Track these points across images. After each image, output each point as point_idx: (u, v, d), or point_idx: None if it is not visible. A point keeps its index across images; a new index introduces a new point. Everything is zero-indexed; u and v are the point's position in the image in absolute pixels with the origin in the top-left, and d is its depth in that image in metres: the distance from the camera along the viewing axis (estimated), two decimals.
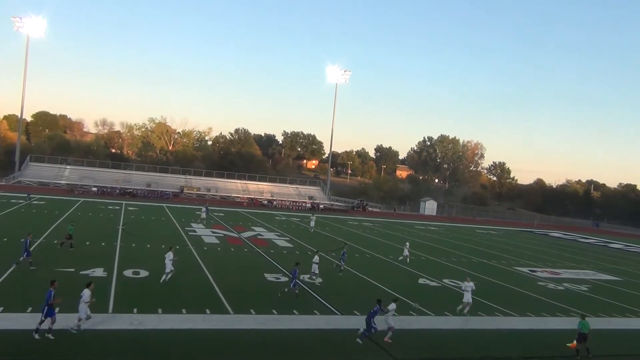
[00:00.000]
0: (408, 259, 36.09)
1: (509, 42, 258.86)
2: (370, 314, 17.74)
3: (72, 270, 24.19)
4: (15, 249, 26.75)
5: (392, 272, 32.23)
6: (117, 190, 76.76)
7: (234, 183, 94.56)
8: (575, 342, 18.42)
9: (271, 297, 22.46)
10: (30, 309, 17.71)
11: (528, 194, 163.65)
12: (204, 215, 49.70)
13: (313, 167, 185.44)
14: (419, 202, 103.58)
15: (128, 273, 24.82)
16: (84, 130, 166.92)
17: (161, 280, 23.35)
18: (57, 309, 15.81)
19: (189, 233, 41.24)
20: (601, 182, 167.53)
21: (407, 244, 38.20)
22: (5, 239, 31.05)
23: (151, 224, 45.52)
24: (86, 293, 16.39)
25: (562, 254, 50.85)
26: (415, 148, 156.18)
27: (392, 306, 18.23)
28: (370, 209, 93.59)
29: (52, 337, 15.18)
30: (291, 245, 39.43)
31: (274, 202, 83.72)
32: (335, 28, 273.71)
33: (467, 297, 22.44)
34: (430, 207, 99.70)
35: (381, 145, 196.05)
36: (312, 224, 51.27)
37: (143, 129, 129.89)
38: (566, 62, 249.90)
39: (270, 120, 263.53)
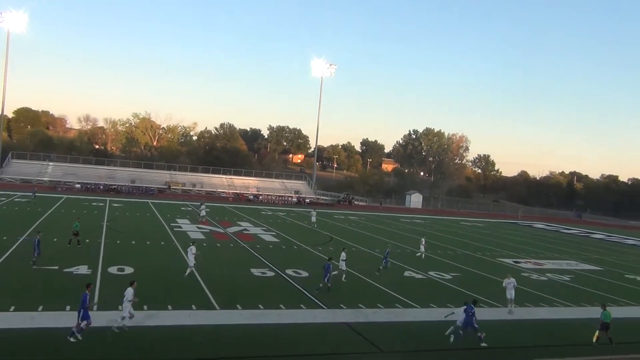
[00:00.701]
0: (423, 255, 36.31)
1: (494, 36, 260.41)
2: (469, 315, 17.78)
3: (56, 268, 23.99)
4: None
5: (377, 265, 32.34)
6: (101, 187, 76.09)
7: (220, 178, 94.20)
8: (597, 332, 18.78)
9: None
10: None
11: (512, 186, 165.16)
12: (203, 212, 48.61)
13: (299, 161, 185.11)
14: (405, 195, 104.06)
15: (113, 270, 24.68)
16: (67, 126, 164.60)
17: (186, 274, 23.92)
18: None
19: (174, 229, 41.06)
20: (584, 173, 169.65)
21: (423, 239, 38.28)
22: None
23: (136, 220, 45.24)
24: (129, 292, 16.54)
25: (545, 245, 51.48)
26: (401, 141, 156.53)
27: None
28: (356, 202, 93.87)
29: (80, 338, 15.14)
30: (277, 240, 39.44)
31: (260, 197, 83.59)
32: (321, 21, 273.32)
33: (512, 295, 22.62)
34: (415, 200, 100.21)
35: (367, 139, 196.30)
36: (314, 219, 51.39)
37: (127, 125, 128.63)
38: (548, 57, 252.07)
39: (256, 114, 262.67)
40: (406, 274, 29.98)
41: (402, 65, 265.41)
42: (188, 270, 24.24)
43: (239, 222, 48.90)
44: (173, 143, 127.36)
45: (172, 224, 43.63)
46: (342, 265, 26.37)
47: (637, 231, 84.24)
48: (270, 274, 26.85)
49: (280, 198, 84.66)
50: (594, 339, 18.87)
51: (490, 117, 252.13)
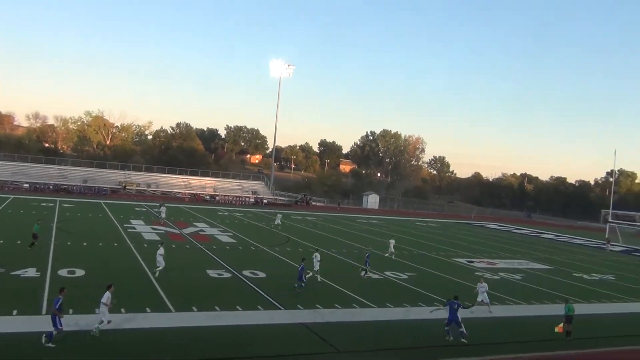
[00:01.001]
0: (393, 256, 36.78)
1: (447, 38, 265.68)
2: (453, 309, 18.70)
3: (2, 271, 23.04)
4: None
5: (335, 265, 32.52)
6: (51, 187, 73.62)
7: (176, 178, 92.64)
8: (562, 325, 19.83)
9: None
10: None
11: (466, 187, 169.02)
12: (163, 214, 47.16)
13: (257, 161, 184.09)
14: (362, 196, 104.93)
15: (63, 272, 23.91)
16: (15, 123, 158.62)
17: (156, 275, 24.47)
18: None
19: (128, 230, 40.13)
20: (534, 175, 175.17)
21: (393, 240, 38.85)
22: None
23: (88, 221, 44.00)
24: (106, 295, 16.42)
25: (498, 245, 52.84)
26: (359, 142, 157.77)
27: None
28: (314, 203, 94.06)
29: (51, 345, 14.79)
30: (234, 241, 39.08)
31: (217, 198, 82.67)
32: (279, 22, 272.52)
33: (485, 297, 23.21)
34: (372, 200, 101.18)
35: (325, 139, 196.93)
36: (278, 221, 51.03)
37: (79, 123, 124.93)
38: (499, 59, 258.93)
39: (213, 114, 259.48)
40: (363, 273, 30.17)
41: (360, 67, 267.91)
42: (157, 272, 24.63)
43: (195, 223, 48.20)
44: (127, 142, 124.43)
45: (125, 225, 42.62)
46: (316, 266, 26.70)
47: (584, 231, 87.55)
48: (226, 275, 26.58)
49: (238, 199, 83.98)
50: (557, 330, 19.74)
51: (446, 120, 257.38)
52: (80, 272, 24.15)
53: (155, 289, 22.28)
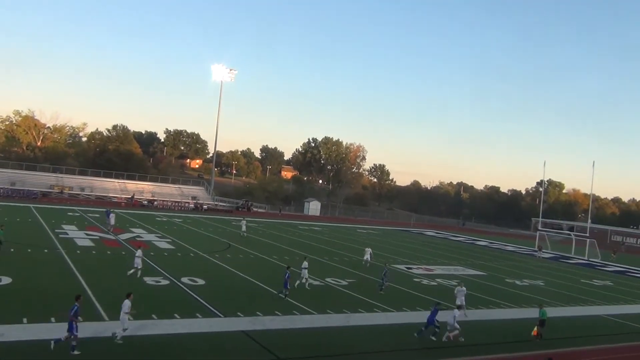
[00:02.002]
0: (368, 264, 37.62)
1: (385, 47, 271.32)
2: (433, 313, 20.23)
3: None
4: None
5: (276, 272, 32.31)
6: None
7: (112, 182, 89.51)
8: (536, 328, 21.64)
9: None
10: None
11: (405, 195, 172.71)
12: (112, 221, 44.75)
13: (197, 166, 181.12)
14: (304, 203, 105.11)
15: None
16: None
17: (129, 273, 25.77)
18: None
19: (60, 235, 38.41)
20: (470, 184, 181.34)
21: (369, 249, 39.66)
22: None
23: (15, 226, 41.74)
24: (126, 304, 16.73)
25: (435, 252, 54.18)
26: (300, 149, 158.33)
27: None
28: (255, 209, 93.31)
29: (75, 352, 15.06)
30: (173, 247, 38.17)
31: (155, 203, 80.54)
32: (220, 26, 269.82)
33: (462, 301, 24.56)
34: (314, 207, 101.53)
35: (267, 145, 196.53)
36: (244, 228, 50.20)
37: (7, 123, 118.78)
38: (438, 70, 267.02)
39: (152, 117, 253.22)
40: (304, 281, 30.13)
41: (302, 74, 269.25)
42: (138, 273, 25.95)
43: (131, 229, 46.72)
44: (60, 144, 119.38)
45: (57, 230, 40.77)
46: (305, 274, 27.54)
47: (516, 239, 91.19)
48: (164, 282, 25.88)
49: (177, 204, 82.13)
50: (533, 334, 21.55)
51: (385, 128, 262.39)
52: (6, 280, 22.85)
53: (89, 298, 21.36)
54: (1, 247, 28.53)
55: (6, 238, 34.37)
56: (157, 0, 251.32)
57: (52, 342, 15.16)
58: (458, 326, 20.31)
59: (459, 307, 23.06)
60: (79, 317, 15.59)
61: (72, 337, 15.16)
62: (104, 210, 51.32)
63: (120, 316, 16.67)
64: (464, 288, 25.72)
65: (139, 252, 27.13)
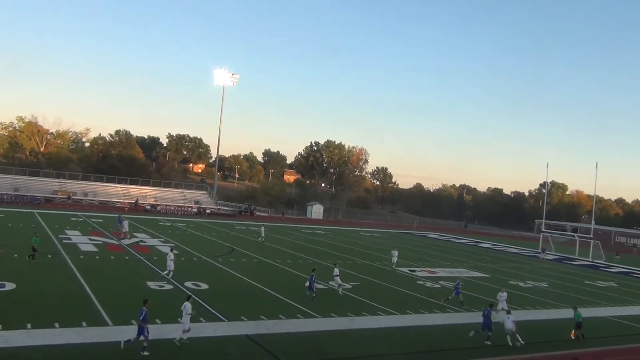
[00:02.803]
0: (394, 266, 39.08)
1: (390, 50, 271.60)
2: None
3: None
4: None
5: (279, 276, 32.40)
6: None
7: (114, 187, 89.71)
8: (573, 331, 22.24)
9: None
10: None
11: (408, 197, 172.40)
12: (126, 227, 43.96)
13: (200, 171, 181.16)
14: (306, 206, 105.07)
15: None
16: None
17: (163, 274, 27.34)
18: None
19: (63, 241, 38.49)
20: (472, 186, 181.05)
21: (396, 251, 40.38)
22: None
23: (19, 232, 41.89)
24: (187, 306, 17.41)
25: (438, 254, 54.10)
26: (303, 153, 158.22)
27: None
28: (258, 213, 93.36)
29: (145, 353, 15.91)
30: (176, 252, 38.08)
31: (158, 207, 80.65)
32: (223, 31, 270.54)
33: (504, 305, 24.63)
34: (317, 211, 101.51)
35: (269, 149, 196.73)
36: (263, 234, 50.33)
37: (10, 129, 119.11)
38: (438, 74, 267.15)
39: (155, 122, 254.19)
40: (305, 284, 30.11)
41: (304, 78, 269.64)
42: (169, 274, 27.04)
43: (135, 234, 46.75)
44: (63, 149, 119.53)
45: (60, 236, 40.85)
46: (338, 280, 27.92)
47: (519, 240, 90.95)
48: (168, 287, 25.91)
49: (180, 208, 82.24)
50: (571, 336, 22.17)
51: (388, 132, 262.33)
52: (10, 286, 22.91)
53: (92, 302, 21.44)
54: (36, 255, 29.29)
55: (12, 244, 34.54)
56: (159, 5, 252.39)
57: (123, 342, 16.02)
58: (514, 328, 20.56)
59: (509, 312, 22.73)
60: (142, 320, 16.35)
61: (141, 338, 16.03)
62: (116, 216, 51.36)
63: (182, 318, 17.37)
64: (505, 293, 26.04)
65: (170, 255, 27.93)
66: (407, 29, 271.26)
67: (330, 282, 30.90)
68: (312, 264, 37.69)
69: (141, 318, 16.23)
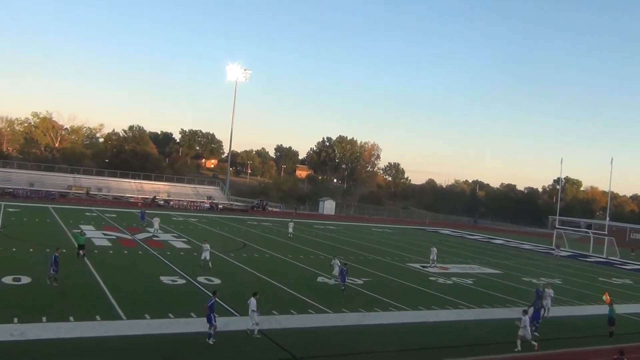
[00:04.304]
0: (434, 262, 39.22)
1: (402, 45, 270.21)
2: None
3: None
4: None
5: (291, 270, 32.48)
6: None
7: (128, 182, 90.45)
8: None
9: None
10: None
11: (420, 193, 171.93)
12: (156, 225, 44.18)
13: (212, 166, 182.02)
14: (318, 202, 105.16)
15: (7, 280, 22.93)
16: None
17: (201, 264, 29.73)
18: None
19: (75, 233, 38.82)
20: (485, 182, 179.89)
21: (434, 248, 40.51)
22: None
23: (34, 226, 42.41)
24: (252, 302, 18.26)
25: (451, 250, 53.86)
26: (315, 148, 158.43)
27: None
28: (270, 208, 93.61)
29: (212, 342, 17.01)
30: (189, 247, 38.44)
31: (171, 202, 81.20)
32: (236, 26, 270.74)
33: (549, 303, 25.21)
34: (329, 206, 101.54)
35: (281, 145, 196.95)
36: (291, 229, 51.21)
37: (26, 124, 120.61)
38: (449, 69, 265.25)
39: (168, 117, 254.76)
40: (319, 279, 30.23)
41: (316, 74, 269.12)
42: (203, 263, 29.84)
43: (148, 229, 47.10)
44: (77, 145, 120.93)
45: (74, 231, 41.24)
46: (336, 272, 28.51)
47: (533, 237, 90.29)
48: (181, 281, 26.10)
49: (193, 204, 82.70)
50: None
51: (400, 127, 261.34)
52: (26, 280, 23.24)
53: (106, 297, 21.65)
54: (82, 252, 29.36)
55: (27, 238, 34.98)
56: (172, 1, 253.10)
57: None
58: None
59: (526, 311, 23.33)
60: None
61: (210, 326, 17.14)
62: (139, 212, 51.93)
63: (249, 314, 18.20)
64: (551, 290, 26.28)
65: (206, 246, 30.36)
66: (419, 23, 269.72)
67: (320, 279, 30.95)
68: (323, 260, 37.88)
69: (208, 305, 17.53)
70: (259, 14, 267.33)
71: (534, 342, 19.42)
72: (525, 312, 20.25)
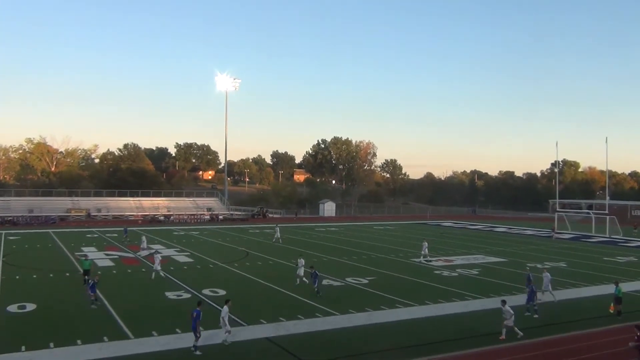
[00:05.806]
0: (427, 258, 39.16)
1: (390, 45, 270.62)
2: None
3: None
4: None
5: (295, 275, 32.40)
6: None
7: (127, 201, 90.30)
8: (612, 304, 22.81)
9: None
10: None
11: (419, 188, 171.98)
12: (144, 244, 43.78)
13: (210, 177, 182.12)
14: (318, 205, 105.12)
15: (12, 308, 22.84)
16: None
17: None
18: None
19: (80, 258, 38.76)
20: (484, 171, 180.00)
21: (425, 243, 40.49)
22: None
23: (36, 253, 42.32)
24: (224, 309, 18.50)
25: (454, 242, 53.87)
26: (311, 151, 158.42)
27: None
28: (270, 215, 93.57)
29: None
30: (192, 260, 38.41)
31: (171, 217, 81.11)
32: (221, 35, 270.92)
33: (548, 286, 25.38)
34: (329, 208, 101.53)
35: (277, 150, 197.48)
36: (278, 235, 51.46)
37: (20, 151, 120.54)
38: (443, 61, 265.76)
39: (162, 133, 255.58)
40: (324, 282, 30.15)
41: (306, 77, 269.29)
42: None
43: (150, 245, 47.00)
44: (73, 167, 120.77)
45: (77, 253, 41.17)
46: (301, 272, 28.94)
47: (534, 222, 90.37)
48: (186, 295, 26.06)
49: (193, 217, 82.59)
50: (611, 310, 22.80)
51: (395, 123, 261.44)
52: (31, 307, 23.16)
53: (112, 317, 21.61)
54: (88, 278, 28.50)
55: (30, 265, 34.93)
56: (155, 15, 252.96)
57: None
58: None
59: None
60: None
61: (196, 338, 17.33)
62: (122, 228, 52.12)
63: (220, 322, 18.35)
64: (548, 274, 26.02)
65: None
66: (408, 17, 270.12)
67: (347, 278, 30.93)
68: (326, 262, 37.92)
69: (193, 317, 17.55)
70: (244, 21, 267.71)
71: (517, 330, 19.49)
72: (504, 302, 19.97)
